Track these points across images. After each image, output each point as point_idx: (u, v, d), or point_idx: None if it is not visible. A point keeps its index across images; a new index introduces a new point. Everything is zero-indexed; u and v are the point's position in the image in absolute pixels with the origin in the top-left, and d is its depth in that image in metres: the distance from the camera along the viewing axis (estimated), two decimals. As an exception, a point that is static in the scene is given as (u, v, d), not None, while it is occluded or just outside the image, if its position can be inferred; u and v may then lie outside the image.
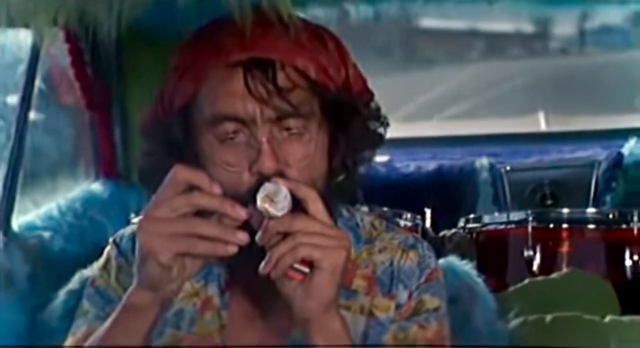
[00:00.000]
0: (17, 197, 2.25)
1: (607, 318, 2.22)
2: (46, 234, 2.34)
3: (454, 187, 3.31)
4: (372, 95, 1.49)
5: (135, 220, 2.36)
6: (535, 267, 2.58)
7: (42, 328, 2.05)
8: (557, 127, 4.92)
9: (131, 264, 1.42)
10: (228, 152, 1.38)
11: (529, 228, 2.60)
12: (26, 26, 1.53)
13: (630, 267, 2.56)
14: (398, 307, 1.50)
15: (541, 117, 5.22)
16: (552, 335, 2.14)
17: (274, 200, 1.31)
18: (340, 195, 1.48)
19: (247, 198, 1.34)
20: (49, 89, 2.55)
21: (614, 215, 2.65)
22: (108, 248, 1.57)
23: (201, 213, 1.30)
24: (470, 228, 2.74)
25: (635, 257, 2.56)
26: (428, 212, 2.75)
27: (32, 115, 2.40)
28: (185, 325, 1.50)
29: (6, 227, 2.20)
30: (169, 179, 1.30)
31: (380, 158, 3.20)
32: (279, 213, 1.31)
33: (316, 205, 1.33)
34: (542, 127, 5.02)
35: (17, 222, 2.28)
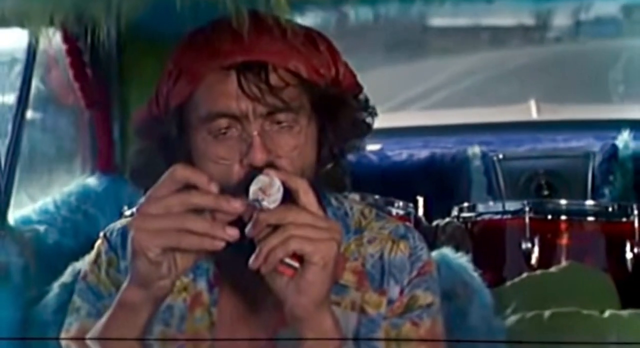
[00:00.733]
0: (14, 192, 2.27)
1: (606, 313, 2.19)
2: (41, 228, 2.37)
3: (446, 175, 3.28)
4: (361, 88, 1.52)
5: (127, 212, 2.42)
6: (533, 260, 2.54)
7: (36, 320, 2.07)
8: (548, 116, 4.89)
9: (121, 258, 1.50)
10: (220, 146, 1.41)
11: (527, 219, 2.56)
12: (22, 26, 1.57)
13: (631, 260, 2.53)
14: (390, 302, 1.51)
15: (532, 105, 5.20)
16: (550, 331, 2.12)
17: (266, 193, 1.33)
18: (328, 184, 1.50)
19: (238, 190, 1.36)
20: (47, 88, 2.63)
21: (613, 208, 2.63)
22: (98, 242, 1.59)
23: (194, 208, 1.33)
24: (464, 218, 2.70)
25: (636, 250, 2.53)
26: (420, 200, 2.72)
27: (30, 113, 2.45)
28: (175, 322, 1.50)
29: (2, 221, 2.23)
30: (167, 177, 1.33)
31: (372, 146, 3.20)
32: (271, 206, 1.32)
33: (307, 197, 1.34)
34: (534, 115, 4.99)
35: (13, 216, 2.31)
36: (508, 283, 2.39)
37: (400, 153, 3.35)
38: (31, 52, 2.30)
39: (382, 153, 3.30)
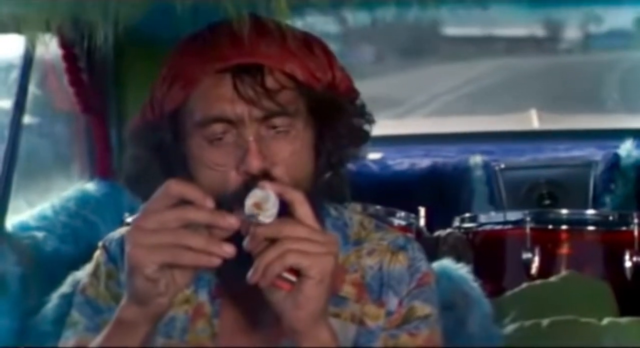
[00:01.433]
0: (11, 198, 2.26)
1: (605, 321, 2.20)
2: (40, 235, 2.35)
3: (448, 185, 3.29)
4: (357, 94, 1.50)
5: (129, 219, 2.38)
6: (533, 270, 2.54)
7: (34, 331, 2.05)
8: (550, 126, 4.90)
9: (121, 270, 1.45)
10: (216, 152, 1.40)
11: (527, 230, 2.57)
12: (18, 32, 1.54)
13: (630, 269, 2.53)
14: (388, 314, 1.48)
15: (534, 115, 5.21)
16: (548, 339, 2.12)
17: (262, 208, 1.31)
18: (327, 194, 1.49)
19: (235, 199, 1.34)
20: (43, 94, 2.62)
21: (613, 217, 2.63)
22: (97, 253, 1.57)
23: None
24: (466, 228, 2.70)
25: (635, 259, 2.53)
26: (422, 210, 2.71)
27: (27, 118, 2.43)
28: (177, 334, 1.49)
29: (-1, 228, 2.22)
30: (161, 192, 1.31)
31: (373, 155, 3.19)
32: (267, 221, 1.30)
33: (303, 209, 1.32)
34: (535, 125, 5.01)
35: (11, 222, 2.29)
36: (508, 293, 2.39)
37: (401, 162, 3.35)
38: (28, 57, 2.29)
39: (383, 162, 3.30)
